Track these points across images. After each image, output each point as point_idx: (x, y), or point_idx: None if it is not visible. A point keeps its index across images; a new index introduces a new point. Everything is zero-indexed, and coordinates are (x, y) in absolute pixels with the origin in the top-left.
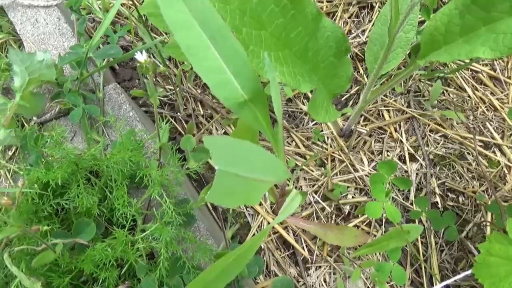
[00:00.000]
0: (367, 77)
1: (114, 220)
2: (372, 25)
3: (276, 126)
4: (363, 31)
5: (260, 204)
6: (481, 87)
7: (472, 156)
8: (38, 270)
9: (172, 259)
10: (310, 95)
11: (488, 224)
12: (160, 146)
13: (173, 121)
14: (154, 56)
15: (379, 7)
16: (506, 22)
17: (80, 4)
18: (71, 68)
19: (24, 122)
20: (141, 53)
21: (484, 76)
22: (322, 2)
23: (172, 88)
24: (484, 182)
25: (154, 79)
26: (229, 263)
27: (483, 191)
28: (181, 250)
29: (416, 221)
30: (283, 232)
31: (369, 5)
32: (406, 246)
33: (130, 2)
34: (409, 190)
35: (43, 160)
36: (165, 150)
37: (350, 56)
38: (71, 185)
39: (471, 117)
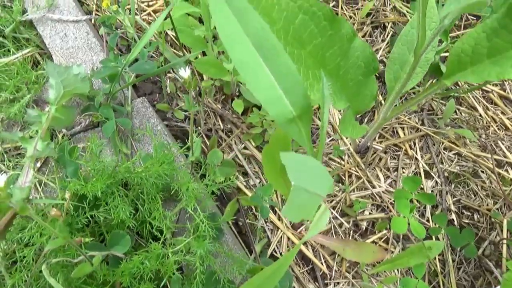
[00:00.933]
0: (382, 95)
1: (144, 233)
2: (386, 44)
3: (318, 141)
4: (376, 50)
5: (279, 219)
6: (492, 107)
7: (486, 174)
8: (74, 283)
9: (207, 273)
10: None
11: (505, 242)
12: (192, 160)
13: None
14: (173, 71)
15: (391, 27)
16: None
17: (113, 20)
18: (101, 82)
19: (58, 134)
20: (185, 69)
21: (494, 96)
22: None
23: (194, 103)
24: (498, 200)
25: (175, 93)
26: (264, 278)
27: (497, 208)
28: (216, 264)
29: (433, 238)
30: (303, 247)
31: (382, 25)
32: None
33: (151, 18)
34: (425, 207)
35: (80, 172)
36: (203, 163)
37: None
38: (106, 197)
39: (483, 136)
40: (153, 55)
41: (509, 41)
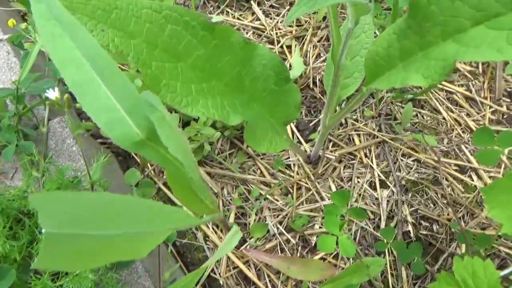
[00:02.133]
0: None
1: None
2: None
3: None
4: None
5: (220, 238)
6: (456, 109)
7: (447, 181)
8: None
9: None
10: None
11: (460, 253)
12: (91, 183)
13: (134, 154)
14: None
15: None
16: (439, 48)
17: (22, 38)
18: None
19: None
20: (53, 90)
21: (459, 97)
22: (292, 26)
23: None
24: (460, 208)
25: (74, 121)
26: None
27: (460, 217)
28: None
29: (386, 251)
30: (243, 267)
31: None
32: (375, 279)
33: None
34: (379, 219)
35: None
36: (104, 186)
37: (319, 80)
38: None
39: (446, 140)
40: None
41: (416, 43)
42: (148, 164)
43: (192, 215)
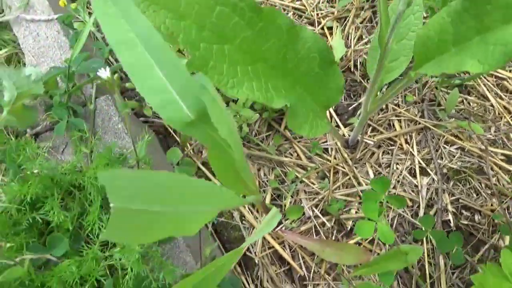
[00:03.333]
0: None
1: (84, 235)
2: None
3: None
4: None
5: (256, 218)
6: (506, 95)
7: (493, 170)
8: (11, 285)
9: (138, 279)
10: None
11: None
12: (137, 160)
13: (172, 131)
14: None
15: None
16: (500, 32)
17: (71, 18)
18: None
19: (10, 135)
20: (105, 69)
21: (510, 84)
22: (333, 7)
23: None
24: (505, 199)
25: (122, 101)
26: (199, 280)
27: (504, 209)
28: (150, 270)
29: (424, 240)
30: (279, 247)
31: None
32: (412, 267)
33: None
34: (418, 207)
35: (21, 175)
36: (149, 164)
37: (361, 63)
38: (48, 199)
39: (493, 128)
40: None
41: (473, 27)
42: (188, 144)
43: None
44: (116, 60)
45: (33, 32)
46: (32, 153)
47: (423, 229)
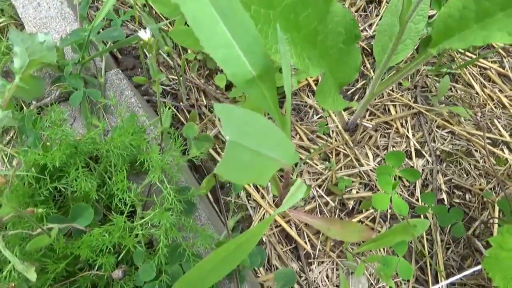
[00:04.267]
0: (373, 71)
1: (112, 206)
2: (380, 19)
3: (285, 106)
4: (370, 25)
5: (263, 197)
6: (489, 84)
7: (480, 153)
8: (33, 255)
9: (172, 246)
10: (315, 88)
11: (496, 221)
12: (161, 130)
13: (175, 111)
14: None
15: (386, 1)
16: None
17: None
18: (72, 53)
19: (23, 106)
20: (145, 32)
21: (492, 73)
22: None
23: (175, 78)
24: (492, 179)
25: (157, 67)
26: (230, 251)
27: (491, 188)
28: (181, 238)
29: (422, 217)
30: (286, 226)
31: (377, 0)
32: (410, 243)
33: None
34: (414, 186)
35: (41, 142)
36: (167, 136)
37: (360, 47)
38: (69, 168)
39: (479, 114)
40: (137, 29)
41: (497, 3)
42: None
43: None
44: (127, 36)
45: (33, 2)
46: (54, 121)
47: (426, 205)
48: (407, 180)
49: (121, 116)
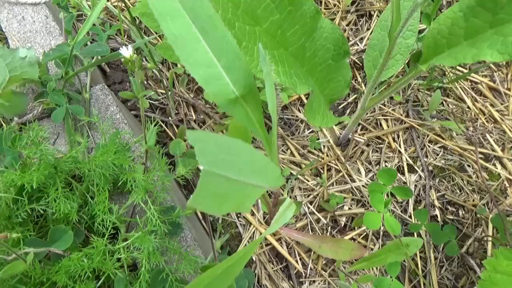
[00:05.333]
0: (365, 85)
1: (94, 227)
2: (371, 33)
3: (271, 128)
4: (361, 39)
5: (253, 214)
6: (480, 98)
7: (472, 168)
8: (7, 282)
9: (154, 271)
10: (306, 102)
11: (490, 239)
12: (146, 148)
13: (164, 126)
14: (146, 60)
15: (377, 15)
16: None
17: (68, 1)
18: (56, 68)
19: (3, 123)
20: (127, 48)
21: (483, 87)
22: (320, 9)
23: (164, 92)
24: (485, 195)
25: (145, 82)
26: (216, 276)
27: (484, 204)
28: (165, 262)
29: (415, 234)
30: (276, 244)
31: (368, 14)
32: (404, 261)
33: (123, 4)
34: (407, 202)
35: (20, 162)
36: (152, 154)
37: (350, 63)
38: (48, 189)
39: (471, 129)
40: (126, 43)
41: (487, 21)
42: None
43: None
44: (112, 49)
45: (17, 16)
46: (33, 139)
47: (419, 222)
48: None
49: (104, 134)
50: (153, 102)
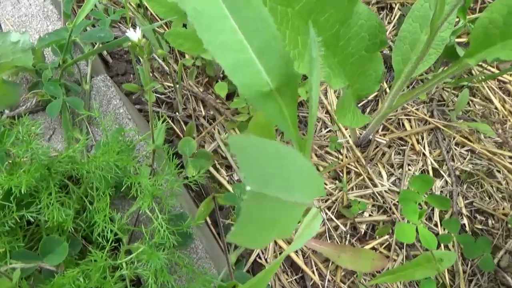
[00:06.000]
0: (386, 82)
1: (93, 237)
2: (393, 27)
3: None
4: None
5: None
6: (509, 99)
7: (502, 174)
8: None
9: None
10: (324, 99)
11: None
12: (153, 148)
13: (170, 122)
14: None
15: (398, 8)
16: None
17: None
18: (53, 55)
19: None
20: (135, 31)
21: None
22: None
23: (171, 85)
24: None
25: (151, 74)
26: None
27: None
28: (174, 281)
29: (442, 246)
30: (291, 253)
31: (388, 6)
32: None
33: None
34: (432, 210)
35: (8, 161)
36: (160, 154)
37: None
38: (41, 193)
39: (500, 131)
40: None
41: None
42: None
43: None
44: (115, 38)
45: None
46: (24, 135)
47: (451, 234)
48: (426, 204)
49: (105, 131)
50: (159, 96)
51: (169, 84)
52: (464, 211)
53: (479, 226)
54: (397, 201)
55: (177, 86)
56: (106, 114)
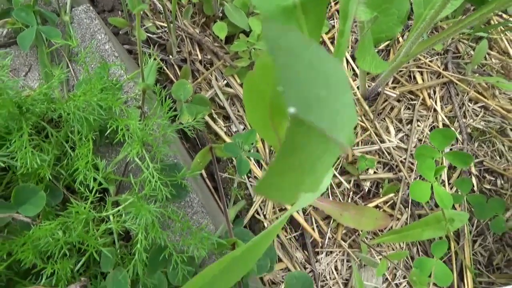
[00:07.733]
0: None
1: (76, 186)
2: None
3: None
4: None
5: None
6: None
7: None
8: None
9: (154, 249)
10: (331, 47)
11: None
12: (143, 88)
13: (163, 65)
14: None
15: None
16: None
17: None
18: None
19: None
20: None
21: None
22: None
23: (165, 25)
24: None
25: (141, 12)
26: (235, 258)
27: None
28: (167, 236)
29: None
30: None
31: None
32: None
33: None
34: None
35: None
36: (151, 97)
37: None
38: (12, 135)
39: None
40: None
41: None
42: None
43: None
44: None
45: None
46: None
47: (460, 193)
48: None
49: (86, 66)
50: (151, 35)
51: (162, 23)
52: (473, 170)
53: (488, 186)
54: (404, 158)
55: (171, 25)
56: (89, 50)
